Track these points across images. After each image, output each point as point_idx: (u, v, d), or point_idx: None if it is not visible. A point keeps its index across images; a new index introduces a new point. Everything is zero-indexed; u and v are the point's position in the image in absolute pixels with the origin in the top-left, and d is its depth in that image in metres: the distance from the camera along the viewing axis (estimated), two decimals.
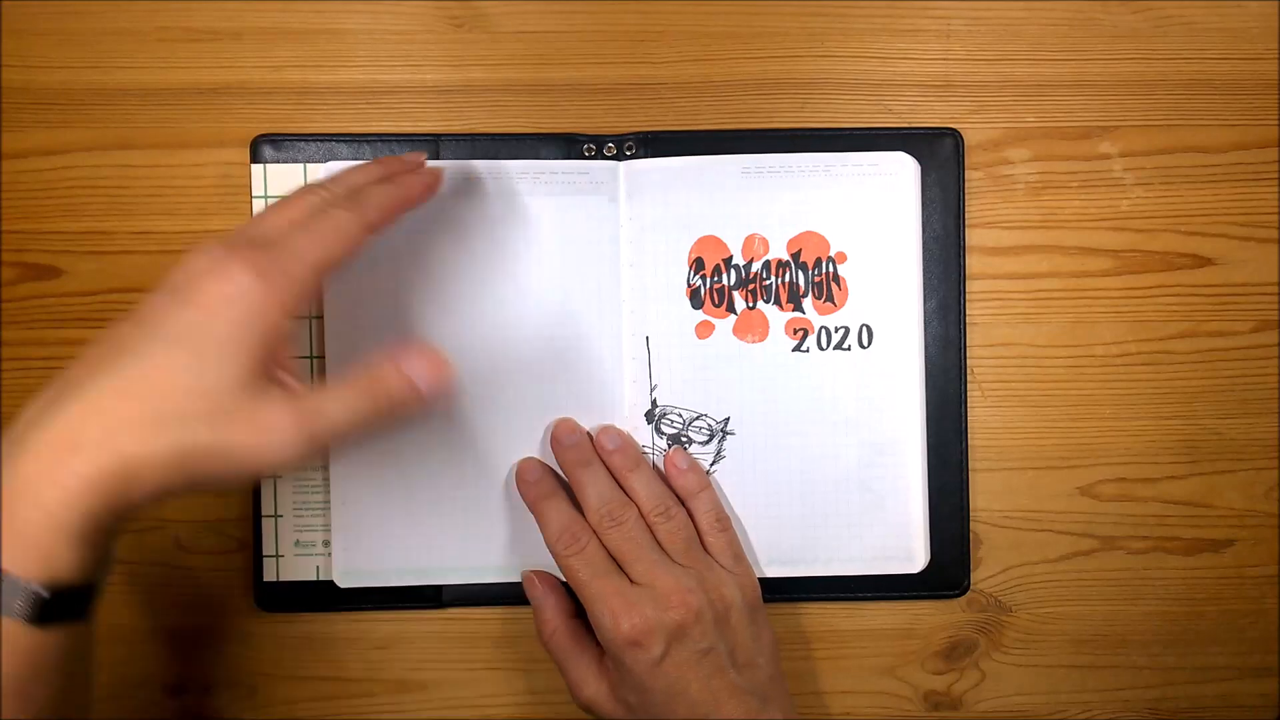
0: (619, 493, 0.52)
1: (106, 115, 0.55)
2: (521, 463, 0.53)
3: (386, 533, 0.54)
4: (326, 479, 0.54)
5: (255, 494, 0.55)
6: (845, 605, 0.57)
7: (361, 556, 0.54)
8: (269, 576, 0.55)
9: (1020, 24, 0.57)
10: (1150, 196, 0.57)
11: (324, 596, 0.55)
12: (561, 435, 0.53)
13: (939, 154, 0.56)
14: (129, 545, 0.55)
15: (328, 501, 0.54)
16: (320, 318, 0.54)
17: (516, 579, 0.54)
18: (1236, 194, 0.57)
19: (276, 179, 0.55)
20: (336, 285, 0.53)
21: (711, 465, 0.55)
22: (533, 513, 0.52)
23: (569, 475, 0.52)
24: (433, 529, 0.54)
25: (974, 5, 0.57)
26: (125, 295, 0.55)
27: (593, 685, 0.50)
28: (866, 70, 0.57)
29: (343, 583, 0.54)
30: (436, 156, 0.54)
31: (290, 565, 0.55)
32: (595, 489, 0.51)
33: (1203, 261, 0.57)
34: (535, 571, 0.53)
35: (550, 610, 0.52)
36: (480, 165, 0.54)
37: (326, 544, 0.54)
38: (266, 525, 0.55)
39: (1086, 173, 0.57)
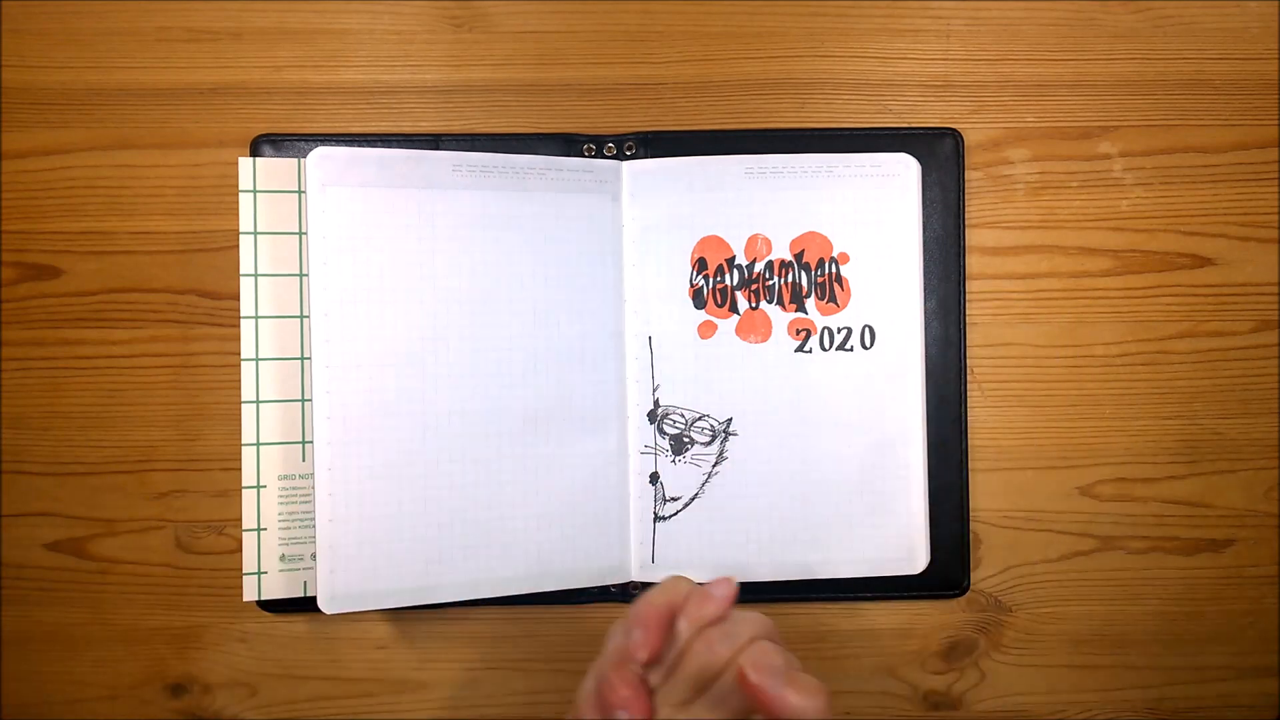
0: None
1: (106, 115, 0.55)
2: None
3: (376, 551, 0.51)
4: (314, 488, 0.51)
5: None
6: (845, 605, 0.57)
7: (349, 579, 0.51)
8: (249, 596, 0.53)
9: (1020, 24, 0.57)
10: (1150, 196, 0.57)
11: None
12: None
13: (939, 154, 0.56)
14: (129, 545, 0.55)
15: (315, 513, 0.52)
16: (309, 317, 0.51)
17: (514, 593, 0.53)
18: (1236, 194, 0.57)
19: (265, 175, 0.53)
20: (326, 282, 0.51)
21: (714, 466, 0.55)
22: None
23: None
24: (428, 543, 0.52)
25: (974, 5, 0.57)
26: (125, 295, 0.55)
27: None
28: (866, 70, 0.57)
29: (329, 609, 0.51)
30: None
31: (275, 582, 0.53)
32: None
33: (1202, 261, 0.57)
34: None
35: None
36: (485, 158, 0.53)
37: (315, 557, 0.52)
38: (249, 540, 0.53)
39: (1086, 173, 0.57)
